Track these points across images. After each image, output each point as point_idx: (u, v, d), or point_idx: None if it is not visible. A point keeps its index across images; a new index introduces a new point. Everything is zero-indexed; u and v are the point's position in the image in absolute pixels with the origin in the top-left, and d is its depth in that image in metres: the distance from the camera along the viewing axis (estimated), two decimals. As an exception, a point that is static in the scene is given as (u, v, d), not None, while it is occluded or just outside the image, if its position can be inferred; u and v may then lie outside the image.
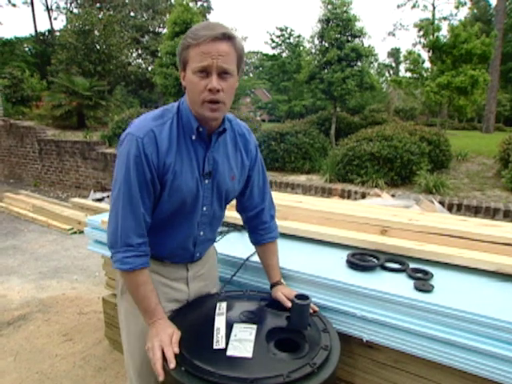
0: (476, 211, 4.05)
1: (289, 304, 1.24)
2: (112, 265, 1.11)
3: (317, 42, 8.24)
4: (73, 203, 5.56)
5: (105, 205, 5.40)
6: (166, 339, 1.04)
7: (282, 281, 1.39)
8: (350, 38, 7.84)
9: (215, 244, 1.48)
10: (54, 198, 7.24)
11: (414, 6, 28.12)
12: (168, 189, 1.10)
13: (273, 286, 1.37)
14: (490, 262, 1.42)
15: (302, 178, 5.88)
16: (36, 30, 23.66)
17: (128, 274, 1.09)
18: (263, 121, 23.80)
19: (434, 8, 26.56)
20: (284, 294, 1.30)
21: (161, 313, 1.11)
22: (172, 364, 0.99)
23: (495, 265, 1.41)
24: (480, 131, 16.47)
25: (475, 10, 25.76)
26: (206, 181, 1.17)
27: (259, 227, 1.39)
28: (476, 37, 8.46)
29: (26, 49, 22.28)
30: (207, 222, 1.24)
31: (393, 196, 4.27)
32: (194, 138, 1.12)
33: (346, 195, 4.80)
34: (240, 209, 1.41)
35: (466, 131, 16.66)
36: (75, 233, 4.92)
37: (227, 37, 1.02)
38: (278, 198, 2.34)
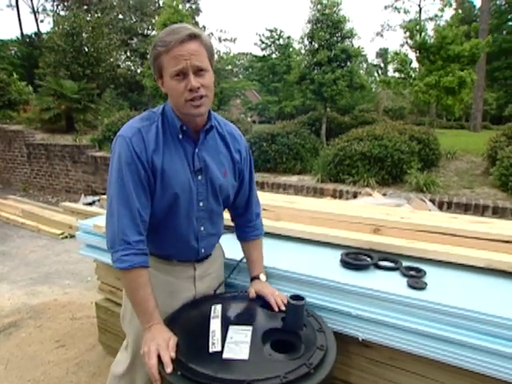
0: (466, 208, 4.11)
1: (253, 295, 1.31)
2: (113, 265, 1.12)
3: (306, 42, 8.28)
4: (63, 207, 5.48)
5: (96, 209, 5.34)
6: (163, 343, 1.04)
7: (262, 276, 1.40)
8: (339, 39, 7.88)
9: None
10: (43, 202, 7.14)
11: (398, 11, 28.51)
12: (159, 185, 1.15)
13: (252, 280, 1.40)
14: (479, 259, 1.44)
15: (293, 179, 5.90)
16: (22, 33, 23.34)
17: (127, 273, 1.10)
18: (254, 122, 23.79)
19: (421, 9, 26.92)
20: (255, 289, 1.33)
21: (158, 317, 1.11)
22: (169, 368, 0.98)
23: (485, 261, 1.43)
24: (468, 130, 16.71)
25: (460, 11, 26.14)
26: (199, 177, 1.21)
27: (245, 225, 1.44)
28: (465, 38, 8.58)
29: (12, 52, 21.94)
30: (206, 217, 1.27)
31: (384, 195, 4.31)
32: (180, 137, 1.17)
33: (337, 195, 4.83)
34: (233, 214, 1.47)
35: (455, 130, 16.89)
36: (66, 237, 4.86)
37: (194, 36, 1.07)
38: (271, 198, 2.34)
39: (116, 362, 1.44)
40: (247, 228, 1.44)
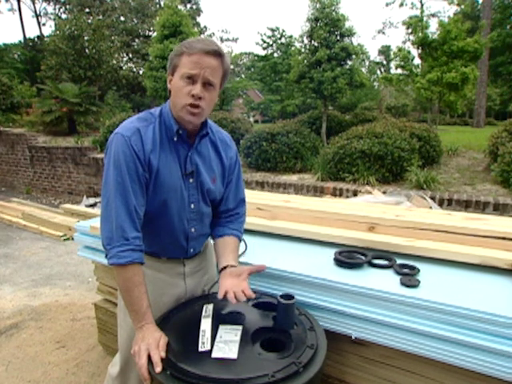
0: (466, 205, 4.08)
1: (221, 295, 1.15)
2: (108, 262, 1.11)
3: (306, 41, 8.25)
4: (64, 209, 5.52)
5: (97, 210, 5.37)
6: (153, 343, 1.04)
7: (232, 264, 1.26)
8: (339, 38, 7.85)
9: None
10: (46, 204, 7.19)
11: (401, 5, 28.33)
12: (152, 185, 1.17)
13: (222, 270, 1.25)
14: (474, 255, 1.44)
15: (293, 178, 5.89)
16: (25, 37, 23.50)
17: (123, 271, 1.11)
18: (256, 122, 23.80)
19: (422, 5, 26.76)
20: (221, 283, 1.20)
21: (150, 317, 1.12)
22: (158, 368, 0.99)
23: (479, 257, 1.43)
24: (471, 126, 16.62)
25: (463, 7, 25.94)
26: (191, 180, 1.24)
27: (228, 224, 1.38)
28: (466, 34, 8.53)
29: (16, 55, 22.11)
30: (197, 219, 1.28)
31: (384, 193, 4.30)
32: (175, 139, 1.20)
33: (337, 193, 4.82)
34: (214, 213, 1.40)
35: (458, 126, 16.80)
36: (68, 239, 4.89)
37: (218, 54, 1.13)
38: (267, 198, 2.34)
39: (113, 363, 1.45)
40: (229, 223, 1.37)
